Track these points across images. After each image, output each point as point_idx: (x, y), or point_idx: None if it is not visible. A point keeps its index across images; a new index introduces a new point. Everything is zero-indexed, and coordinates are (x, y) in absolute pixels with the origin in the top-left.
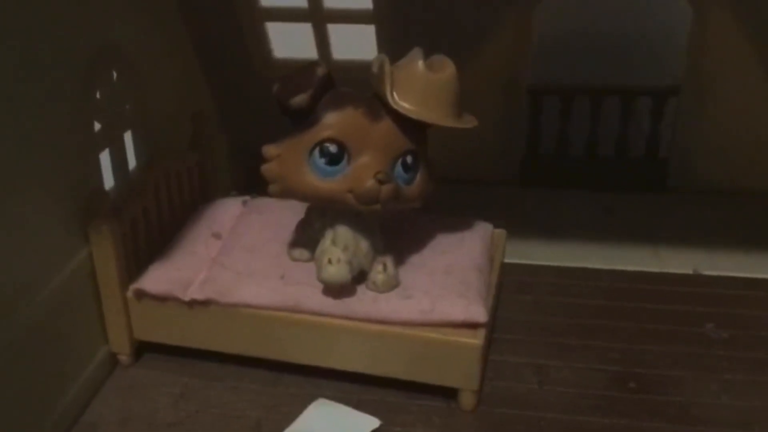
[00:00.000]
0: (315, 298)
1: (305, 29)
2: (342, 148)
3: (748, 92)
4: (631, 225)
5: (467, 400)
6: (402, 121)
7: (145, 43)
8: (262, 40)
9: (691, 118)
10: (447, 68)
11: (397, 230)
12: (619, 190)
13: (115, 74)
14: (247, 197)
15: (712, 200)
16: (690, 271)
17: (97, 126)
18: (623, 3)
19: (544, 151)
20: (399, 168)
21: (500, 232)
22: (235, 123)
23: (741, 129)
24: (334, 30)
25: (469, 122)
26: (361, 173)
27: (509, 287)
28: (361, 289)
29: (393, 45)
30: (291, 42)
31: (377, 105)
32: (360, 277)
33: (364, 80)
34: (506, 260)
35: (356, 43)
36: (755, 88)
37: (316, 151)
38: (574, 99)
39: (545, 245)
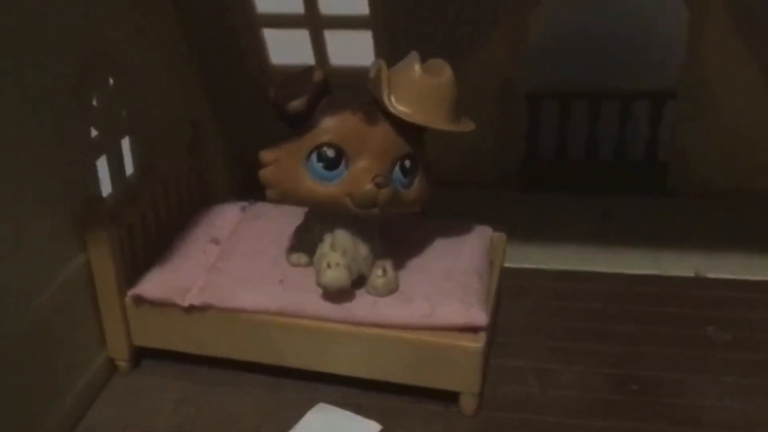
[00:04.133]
0: (314, 303)
1: (302, 35)
2: (340, 152)
3: (746, 95)
4: (631, 228)
5: (468, 404)
6: (400, 124)
7: (141, 49)
8: (258, 47)
9: (690, 121)
10: (444, 72)
11: (396, 234)
12: (618, 194)
13: (111, 80)
14: (245, 203)
15: (711, 203)
16: (691, 274)
17: (93, 132)
18: (620, 6)
19: (542, 155)
20: (397, 172)
21: (500, 236)
22: (233, 128)
23: (739, 131)
24: (331, 36)
25: (466, 126)
26: (359, 177)
27: (508, 291)
28: (360, 293)
29: (390, 50)
30: (288, 48)
31: (374, 109)
32: (359, 281)
33: (361, 86)
34: (505, 264)
35: (353, 49)
36: (753, 90)
37: (314, 156)
38: (573, 103)
39: (544, 249)
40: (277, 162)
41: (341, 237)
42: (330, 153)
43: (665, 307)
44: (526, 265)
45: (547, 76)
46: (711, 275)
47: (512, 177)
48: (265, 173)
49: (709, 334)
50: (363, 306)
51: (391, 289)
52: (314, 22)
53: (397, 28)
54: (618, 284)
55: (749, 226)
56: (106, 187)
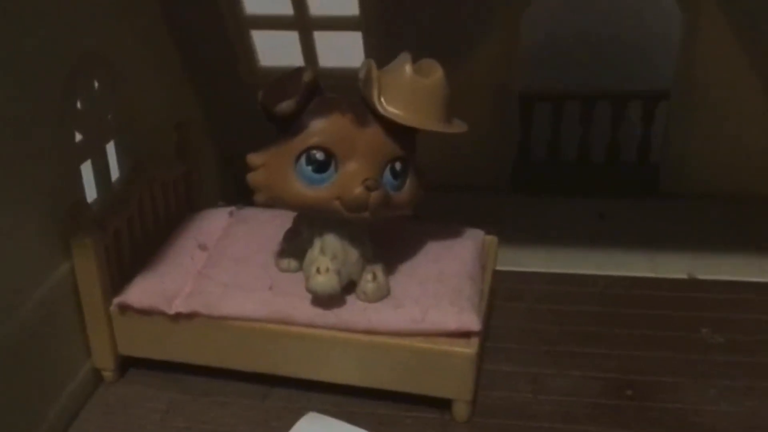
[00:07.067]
0: (304, 309)
1: (291, 37)
2: (329, 155)
3: (739, 96)
4: (624, 230)
5: (461, 410)
6: (390, 126)
7: (128, 51)
8: (247, 49)
9: (682, 122)
10: (435, 72)
11: (386, 238)
12: (611, 196)
13: (96, 83)
14: (233, 208)
15: (704, 204)
16: (684, 276)
17: (78, 136)
18: (613, 7)
19: (535, 157)
20: (388, 174)
21: (492, 239)
22: (222, 132)
23: (732, 133)
24: (321, 37)
25: (458, 127)
26: (349, 180)
27: (501, 295)
28: (350, 299)
29: (380, 52)
30: (277, 50)
31: (365, 111)
32: (349, 286)
33: (351, 88)
34: (498, 267)
35: (343, 51)
36: (746, 91)
37: (303, 159)
38: (565, 104)
39: (537, 252)
40: (265, 165)
41: (331, 241)
42: (319, 156)
43: (660, 309)
44: (519, 268)
45: (540, 78)
46: (705, 277)
47: (505, 180)
48: (253, 177)
49: (703, 336)
50: (353, 312)
51: (382, 295)
52: (304, 23)
53: (387, 29)
54: (612, 287)
55: (743, 228)
56: (91, 192)
